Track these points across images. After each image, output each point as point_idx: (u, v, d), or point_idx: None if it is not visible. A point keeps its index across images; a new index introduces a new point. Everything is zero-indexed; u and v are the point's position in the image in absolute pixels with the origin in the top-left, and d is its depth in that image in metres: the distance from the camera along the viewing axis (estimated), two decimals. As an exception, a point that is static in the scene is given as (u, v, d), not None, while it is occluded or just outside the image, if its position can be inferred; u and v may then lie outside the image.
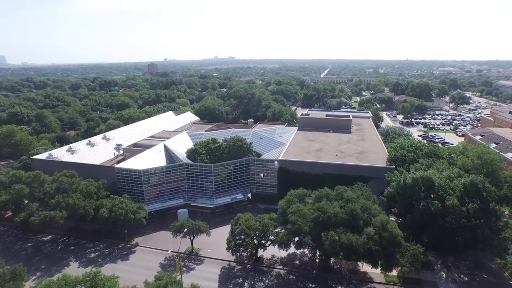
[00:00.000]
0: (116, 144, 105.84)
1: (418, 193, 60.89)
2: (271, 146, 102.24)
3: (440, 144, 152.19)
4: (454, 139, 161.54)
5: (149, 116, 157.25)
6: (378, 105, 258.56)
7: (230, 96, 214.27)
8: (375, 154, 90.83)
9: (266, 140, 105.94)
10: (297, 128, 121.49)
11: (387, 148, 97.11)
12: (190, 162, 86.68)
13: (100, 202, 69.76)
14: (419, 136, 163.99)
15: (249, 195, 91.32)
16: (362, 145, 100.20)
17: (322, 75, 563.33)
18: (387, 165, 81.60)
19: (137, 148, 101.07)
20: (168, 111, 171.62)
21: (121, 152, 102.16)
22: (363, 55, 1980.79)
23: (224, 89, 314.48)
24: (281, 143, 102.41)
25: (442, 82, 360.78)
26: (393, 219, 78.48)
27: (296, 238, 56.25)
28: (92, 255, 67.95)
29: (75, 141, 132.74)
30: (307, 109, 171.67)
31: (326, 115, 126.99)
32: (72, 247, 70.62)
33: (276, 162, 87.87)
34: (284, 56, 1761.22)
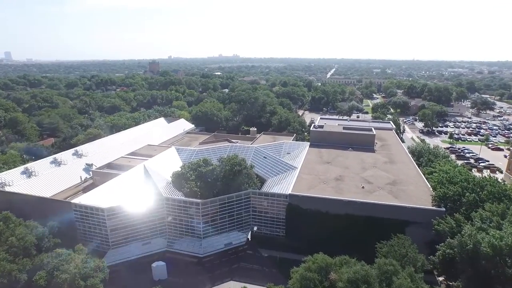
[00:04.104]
0: (86, 164, 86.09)
1: (503, 269, 40.37)
2: (277, 169, 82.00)
3: (472, 160, 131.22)
4: (487, 154, 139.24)
5: (137, 124, 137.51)
6: (392, 110, 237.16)
7: (231, 100, 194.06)
8: (413, 186, 70.13)
9: (271, 161, 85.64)
10: (308, 143, 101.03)
11: (424, 175, 76.62)
12: (172, 196, 66.39)
13: (39, 260, 49.88)
14: (445, 149, 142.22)
15: (249, 235, 71.08)
16: (392, 170, 79.48)
17: (328, 75, 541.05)
18: (433, 205, 60.97)
19: (111, 170, 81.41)
20: (160, 116, 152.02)
21: (91, 174, 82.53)
22: (369, 55, 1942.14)
23: (226, 90, 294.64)
24: (290, 166, 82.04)
25: (458, 85, 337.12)
26: (440, 279, 58.59)
27: None
28: None
29: (49, 153, 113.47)
30: (319, 117, 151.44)
31: (344, 128, 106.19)
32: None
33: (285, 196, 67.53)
34: (288, 55, 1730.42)
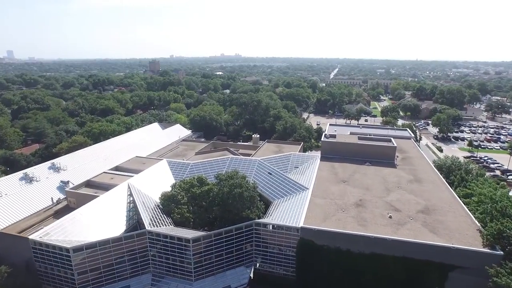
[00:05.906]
0: (61, 182, 73.79)
1: None
2: (284, 190, 69.59)
3: (498, 172, 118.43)
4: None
5: (129, 130, 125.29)
6: (402, 113, 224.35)
7: (232, 102, 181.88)
8: (451, 216, 57.41)
9: (277, 178, 73.17)
10: (318, 155, 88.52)
11: (459, 197, 64.13)
12: (155, 229, 53.76)
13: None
14: (465, 158, 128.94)
15: (251, 273, 58.76)
16: (421, 192, 66.74)
17: (332, 76, 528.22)
18: (485, 245, 48.29)
19: (88, 190, 69.34)
20: (154, 121, 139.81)
21: (65, 195, 70.27)
22: (372, 55, 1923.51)
23: (228, 90, 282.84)
24: (300, 186, 69.51)
25: (468, 86, 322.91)
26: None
27: None
28: None
29: (28, 163, 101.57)
30: (327, 122, 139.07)
31: (359, 138, 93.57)
32: None
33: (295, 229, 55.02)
34: (291, 55, 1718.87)
